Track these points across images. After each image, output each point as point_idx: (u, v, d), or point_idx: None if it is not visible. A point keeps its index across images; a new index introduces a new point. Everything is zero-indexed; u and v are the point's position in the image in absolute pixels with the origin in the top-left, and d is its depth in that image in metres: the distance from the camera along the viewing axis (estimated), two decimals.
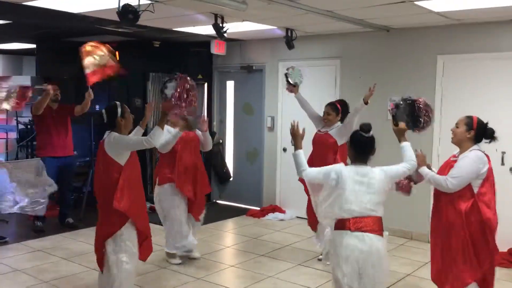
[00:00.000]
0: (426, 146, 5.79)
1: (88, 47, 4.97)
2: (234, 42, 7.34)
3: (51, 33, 7.02)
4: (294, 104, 6.96)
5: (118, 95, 7.29)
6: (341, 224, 3.06)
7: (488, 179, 3.49)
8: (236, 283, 4.62)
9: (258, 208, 7.28)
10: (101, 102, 7.15)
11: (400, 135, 3.54)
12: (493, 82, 5.41)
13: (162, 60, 7.82)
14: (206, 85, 7.99)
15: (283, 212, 7.08)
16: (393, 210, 6.06)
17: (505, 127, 5.33)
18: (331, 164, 4.10)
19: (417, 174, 3.60)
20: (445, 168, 3.62)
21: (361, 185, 3.08)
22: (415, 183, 3.69)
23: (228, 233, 6.44)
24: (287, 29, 6.15)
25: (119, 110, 3.65)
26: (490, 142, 3.59)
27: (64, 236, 5.83)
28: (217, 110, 8.00)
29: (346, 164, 3.27)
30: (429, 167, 3.68)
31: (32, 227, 6.01)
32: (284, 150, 7.06)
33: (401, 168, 3.27)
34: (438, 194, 3.59)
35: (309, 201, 5.14)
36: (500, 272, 4.89)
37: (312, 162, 4.52)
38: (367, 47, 6.30)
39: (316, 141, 5.11)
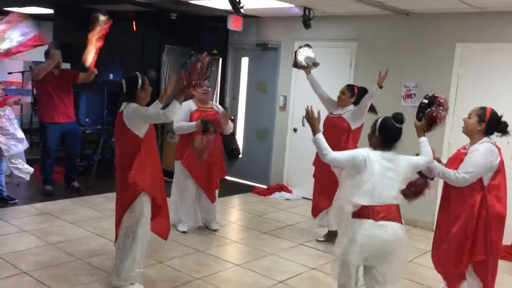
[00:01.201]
0: (437, 134, 5.70)
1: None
2: (250, 19, 7.27)
3: None
4: (308, 85, 6.92)
5: (133, 65, 7.30)
6: (363, 212, 3.02)
7: (500, 171, 3.45)
8: (237, 258, 4.68)
9: (265, 187, 7.32)
10: (115, 71, 7.18)
11: (420, 131, 3.56)
12: (511, 73, 5.30)
13: (178, 33, 7.79)
14: (220, 60, 7.96)
15: (290, 191, 7.10)
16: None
17: None
18: (343, 148, 4.21)
19: (427, 169, 3.55)
20: (455, 160, 3.57)
21: (388, 171, 3.07)
22: (431, 179, 3.63)
23: (234, 209, 6.50)
24: (305, 8, 6.07)
25: (140, 81, 3.59)
26: (502, 136, 3.52)
27: (72, 201, 5.93)
28: (231, 87, 7.98)
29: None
30: (438, 161, 3.64)
31: (42, 190, 6.11)
32: (295, 130, 7.05)
33: (420, 160, 3.32)
34: (448, 187, 3.56)
35: (315, 185, 5.17)
36: (501, 265, 4.88)
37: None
38: (385, 31, 6.20)
39: (328, 124, 5.01)
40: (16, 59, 10.01)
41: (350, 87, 5.08)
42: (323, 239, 5.22)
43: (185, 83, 3.59)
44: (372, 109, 4.97)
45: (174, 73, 8.03)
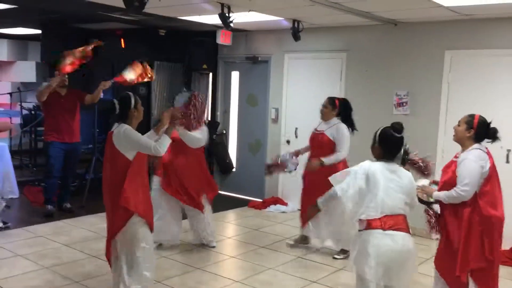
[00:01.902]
0: (431, 141, 5.76)
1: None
2: (240, 33, 7.29)
3: (57, 18, 6.99)
4: (299, 97, 6.97)
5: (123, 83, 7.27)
6: (371, 223, 3.01)
7: (491, 177, 3.44)
8: (236, 274, 4.62)
9: (260, 200, 7.28)
10: (105, 89, 7.12)
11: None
12: (501, 79, 5.35)
13: (167, 49, 7.79)
14: (211, 75, 7.96)
15: (285, 204, 7.07)
16: None
17: (511, 124, 5.30)
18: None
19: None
20: (448, 167, 3.56)
21: (391, 182, 3.06)
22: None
23: (230, 224, 6.44)
24: (293, 21, 6.09)
25: (133, 101, 3.54)
26: (492, 142, 3.52)
27: (65, 223, 5.84)
28: (222, 101, 7.97)
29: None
30: (435, 183, 3.62)
31: (43, 211, 6.01)
32: (288, 142, 7.03)
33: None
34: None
35: (303, 195, 5.17)
36: (502, 271, 4.87)
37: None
38: (374, 41, 6.25)
39: (313, 140, 5.14)
40: (3, 80, 9.94)
41: (331, 100, 5.08)
42: (293, 242, 5.29)
43: (193, 117, 3.64)
44: (351, 126, 5.04)
45: (164, 90, 8.01)
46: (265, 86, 7.32)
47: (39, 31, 7.95)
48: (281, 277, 4.51)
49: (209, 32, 7.11)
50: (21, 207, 6.39)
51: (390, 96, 6.05)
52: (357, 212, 3.09)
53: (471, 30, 5.51)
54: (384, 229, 2.98)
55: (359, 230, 3.09)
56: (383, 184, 3.03)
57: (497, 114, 5.34)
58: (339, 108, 5.03)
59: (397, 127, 3.15)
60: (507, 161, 5.32)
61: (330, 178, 3.28)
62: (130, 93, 3.61)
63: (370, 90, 6.26)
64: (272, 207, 6.99)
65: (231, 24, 5.31)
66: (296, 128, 6.97)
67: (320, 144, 4.98)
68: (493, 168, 3.45)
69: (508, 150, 5.31)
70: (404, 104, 5.94)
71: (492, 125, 3.53)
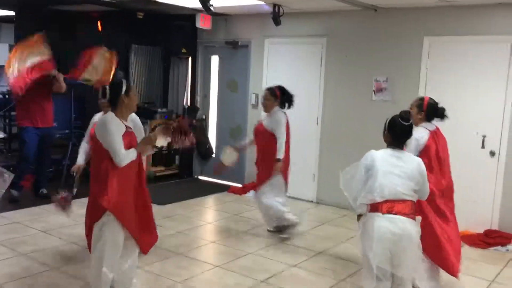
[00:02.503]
0: None
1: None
2: (219, 17, 7.20)
3: (31, 0, 6.79)
4: (279, 83, 6.91)
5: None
6: (374, 207, 3.11)
7: (428, 151, 3.78)
8: (217, 259, 4.63)
9: (240, 185, 7.28)
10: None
11: None
12: (479, 65, 5.42)
13: (146, 33, 7.66)
14: (190, 59, 7.87)
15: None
16: None
17: (487, 111, 5.41)
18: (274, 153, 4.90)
19: None
20: None
21: (395, 168, 3.13)
22: None
23: (209, 209, 6.44)
24: (274, 5, 6.05)
25: (124, 87, 3.32)
26: (442, 120, 3.95)
27: (42, 209, 5.74)
28: (201, 85, 7.90)
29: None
30: None
31: (8, 196, 5.89)
32: None
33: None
34: None
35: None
36: (476, 253, 5.01)
37: (258, 155, 5.22)
38: (354, 26, 6.25)
39: (255, 132, 5.24)
40: None
41: (272, 92, 5.09)
42: (272, 229, 5.31)
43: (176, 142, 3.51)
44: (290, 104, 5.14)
45: (143, 75, 7.89)
46: (245, 71, 7.28)
47: (12, 13, 7.71)
48: (261, 262, 4.54)
49: (188, 16, 7.01)
50: None
51: (370, 82, 6.08)
52: (360, 196, 3.19)
53: (450, 16, 5.55)
54: (383, 213, 3.07)
55: (363, 214, 3.21)
56: (383, 170, 3.11)
57: (474, 101, 5.48)
58: (280, 98, 5.07)
59: (405, 116, 3.25)
60: (483, 147, 5.43)
61: (342, 172, 3.47)
62: (123, 79, 3.46)
63: (350, 75, 6.28)
64: (252, 193, 6.99)
65: (212, 8, 5.25)
66: None
67: (260, 135, 5.12)
68: (431, 144, 3.80)
69: (484, 136, 5.41)
70: (384, 90, 5.99)
71: (440, 106, 3.95)
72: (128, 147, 3.28)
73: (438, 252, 3.70)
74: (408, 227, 3.06)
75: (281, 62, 6.91)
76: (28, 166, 6.01)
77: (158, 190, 6.68)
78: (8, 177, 5.39)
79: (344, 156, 5.81)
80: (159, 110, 7.63)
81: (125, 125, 3.37)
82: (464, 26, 5.48)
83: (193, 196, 6.70)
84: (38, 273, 4.01)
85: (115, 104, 3.34)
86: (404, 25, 5.86)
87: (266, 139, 5.06)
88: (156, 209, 5.99)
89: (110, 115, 3.32)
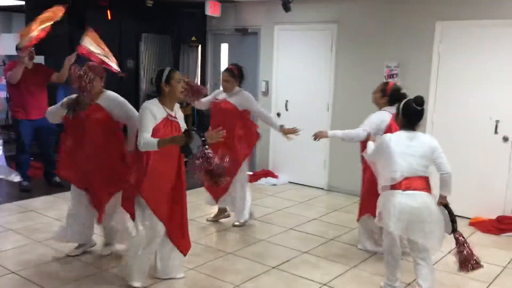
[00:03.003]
0: None
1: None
2: (229, 4, 7.17)
3: None
4: (289, 70, 6.93)
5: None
6: (393, 186, 3.37)
7: (389, 131, 3.94)
8: (228, 246, 4.66)
9: (251, 173, 7.28)
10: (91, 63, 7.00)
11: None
12: (492, 50, 5.34)
13: (155, 21, 7.64)
14: (199, 47, 7.85)
15: (276, 177, 7.10)
16: None
17: (501, 96, 5.34)
18: (239, 133, 4.86)
19: None
20: None
21: (409, 148, 3.38)
22: None
23: None
24: None
25: (165, 74, 3.44)
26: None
27: (55, 197, 5.81)
28: (211, 73, 7.90)
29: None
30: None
31: (18, 187, 5.97)
32: (278, 115, 7.01)
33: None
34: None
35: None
36: (488, 239, 4.99)
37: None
38: (365, 12, 6.18)
39: (214, 109, 4.94)
40: None
41: (230, 73, 4.86)
42: (213, 218, 5.28)
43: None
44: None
45: (153, 63, 7.89)
46: (255, 58, 7.25)
47: (22, 3, 7.74)
48: (272, 248, 4.56)
49: (198, 3, 6.99)
50: (10, 183, 6.33)
51: (381, 68, 6.02)
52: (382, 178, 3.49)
53: (462, 0, 5.47)
54: (403, 190, 3.33)
55: (384, 191, 3.47)
56: (399, 151, 3.37)
57: (488, 86, 5.41)
58: (240, 76, 4.90)
59: (418, 101, 3.44)
60: (496, 132, 5.37)
61: (365, 155, 3.84)
62: (169, 68, 3.53)
63: (361, 62, 6.23)
64: (263, 180, 7.02)
65: None
66: (287, 101, 6.95)
67: (224, 112, 4.84)
68: (389, 127, 4.05)
69: (497, 121, 5.35)
70: (395, 75, 5.93)
71: (403, 91, 4.17)
72: (163, 134, 3.37)
73: None
74: (427, 200, 3.34)
75: (291, 49, 6.87)
76: (26, 157, 6.02)
77: None
78: (15, 176, 5.49)
79: (355, 143, 5.78)
80: None
81: (167, 113, 3.48)
82: (477, 10, 5.39)
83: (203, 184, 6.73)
84: (52, 260, 4.07)
85: (158, 91, 3.50)
86: (416, 10, 5.78)
87: (235, 117, 4.83)
88: None
89: (153, 101, 3.48)
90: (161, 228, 3.56)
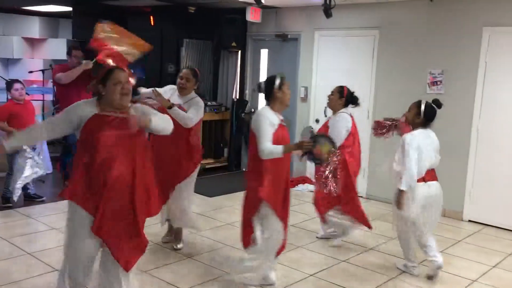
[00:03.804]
0: (465, 121, 5.63)
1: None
2: (269, 10, 7.19)
3: None
4: (329, 76, 6.87)
5: (152, 61, 7.30)
6: (419, 179, 3.87)
7: (353, 134, 4.53)
8: None
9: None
10: (133, 67, 7.16)
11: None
12: None
13: (197, 26, 7.76)
14: (239, 53, 7.91)
15: (313, 183, 7.03)
16: None
17: None
18: (188, 138, 4.19)
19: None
20: (324, 126, 4.61)
21: (429, 145, 3.92)
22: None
23: None
24: None
25: (278, 81, 3.48)
26: (355, 106, 4.60)
27: None
28: (250, 79, 7.93)
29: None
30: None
31: (64, 186, 6.14)
32: (317, 121, 6.97)
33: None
34: None
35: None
36: None
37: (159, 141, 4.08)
38: (408, 17, 6.07)
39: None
40: (35, 58, 10.10)
41: (193, 72, 4.31)
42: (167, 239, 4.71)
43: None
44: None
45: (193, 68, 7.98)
46: (294, 64, 7.24)
47: (70, 9, 8.00)
48: (310, 256, 4.52)
49: (239, 9, 7.05)
50: (54, 182, 6.55)
51: (424, 75, 5.90)
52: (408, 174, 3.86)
53: (510, 5, 5.29)
54: (425, 181, 3.91)
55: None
56: (425, 149, 3.87)
57: None
58: (198, 81, 4.42)
59: (438, 103, 3.99)
60: None
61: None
62: (279, 73, 3.57)
63: (403, 68, 6.12)
64: (300, 186, 6.97)
65: (262, 1, 5.24)
66: (326, 108, 6.86)
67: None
68: (354, 127, 4.54)
69: None
70: (438, 83, 5.79)
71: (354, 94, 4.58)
72: (277, 141, 3.41)
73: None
74: (439, 189, 3.98)
75: (331, 55, 6.83)
76: (71, 158, 6.20)
77: (207, 182, 6.78)
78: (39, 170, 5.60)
79: (395, 151, 5.66)
80: (209, 103, 7.72)
81: (280, 119, 3.53)
82: None
83: (241, 188, 6.72)
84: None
85: (269, 97, 3.51)
86: (462, 16, 5.64)
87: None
88: (204, 200, 6.14)
89: (266, 108, 3.49)
90: (282, 234, 3.60)
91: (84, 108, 2.92)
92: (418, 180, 3.85)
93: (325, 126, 4.59)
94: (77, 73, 5.77)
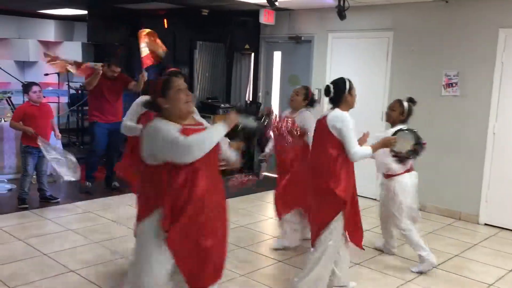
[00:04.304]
0: (481, 123, 5.57)
1: (145, 32, 5.30)
2: (283, 12, 7.19)
3: None
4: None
5: (165, 63, 7.33)
6: (407, 169, 4.24)
7: (316, 131, 4.33)
8: (279, 254, 4.63)
9: None
10: (149, 70, 7.21)
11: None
12: None
13: (210, 29, 7.79)
14: (253, 55, 7.92)
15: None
16: (440, 189, 5.91)
17: None
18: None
19: None
20: (287, 122, 4.51)
21: None
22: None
23: (271, 204, 6.40)
24: None
25: (348, 85, 3.51)
26: (313, 107, 4.62)
27: (113, 200, 6.00)
28: (263, 82, 7.93)
29: None
30: None
31: (80, 186, 6.20)
32: None
33: None
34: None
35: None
36: None
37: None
38: (423, 19, 6.03)
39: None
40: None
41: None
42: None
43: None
44: None
45: (207, 71, 8.03)
46: (308, 66, 7.23)
47: (85, 12, 8.09)
48: None
49: (252, 11, 7.06)
50: (69, 183, 6.59)
51: (439, 77, 5.85)
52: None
53: None
54: (410, 172, 4.28)
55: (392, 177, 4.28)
56: None
57: None
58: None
59: (413, 100, 4.37)
60: None
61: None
62: (345, 77, 3.60)
63: (418, 70, 6.07)
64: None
65: (276, 3, 5.24)
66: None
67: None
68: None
69: None
70: (454, 84, 5.74)
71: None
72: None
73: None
74: (416, 177, 4.35)
75: (344, 57, 6.80)
76: (97, 159, 6.30)
77: None
78: (78, 169, 5.67)
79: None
80: (222, 105, 7.74)
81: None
82: None
83: (254, 191, 6.75)
84: (110, 261, 4.20)
85: (339, 101, 3.51)
86: (477, 17, 5.58)
87: None
88: None
89: (344, 112, 3.48)
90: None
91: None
92: (406, 171, 4.23)
93: (291, 122, 4.46)
94: (93, 80, 5.92)
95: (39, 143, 5.32)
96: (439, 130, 5.76)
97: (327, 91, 3.54)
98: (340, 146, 3.42)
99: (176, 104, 2.61)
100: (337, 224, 3.50)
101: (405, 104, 4.29)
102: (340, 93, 3.51)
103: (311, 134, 4.21)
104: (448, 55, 5.80)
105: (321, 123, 3.54)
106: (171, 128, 2.53)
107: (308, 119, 4.41)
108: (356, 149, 3.41)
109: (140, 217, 2.67)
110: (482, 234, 5.37)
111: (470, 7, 5.62)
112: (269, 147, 4.84)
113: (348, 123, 3.42)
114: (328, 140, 3.45)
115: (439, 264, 4.37)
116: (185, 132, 2.53)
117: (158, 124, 2.55)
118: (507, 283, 4.14)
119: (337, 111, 3.49)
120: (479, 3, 5.54)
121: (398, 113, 4.28)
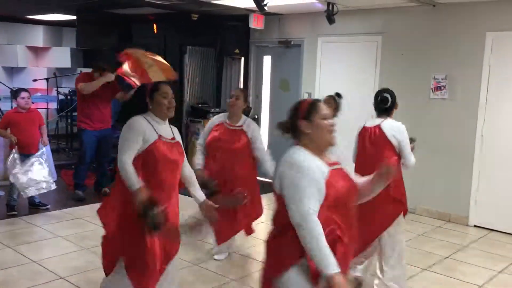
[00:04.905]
0: (469, 126, 5.62)
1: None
2: (272, 16, 7.22)
3: (91, 4, 7.07)
4: (332, 82, 6.88)
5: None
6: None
7: None
8: None
9: None
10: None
11: None
12: None
13: (200, 34, 7.78)
14: (242, 59, 7.93)
15: None
16: (430, 192, 5.95)
17: None
18: None
19: None
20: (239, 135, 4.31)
21: None
22: None
23: (265, 209, 6.44)
24: (328, 3, 5.98)
25: (393, 95, 3.70)
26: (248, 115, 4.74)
27: None
28: (254, 86, 7.95)
29: None
30: None
31: (73, 195, 6.16)
32: None
33: None
34: None
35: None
36: None
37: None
38: (411, 23, 6.09)
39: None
40: (39, 66, 10.15)
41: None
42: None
43: None
44: None
45: (196, 76, 8.02)
46: (297, 70, 7.26)
47: (73, 17, 8.05)
48: None
49: (242, 16, 7.07)
50: (58, 190, 6.54)
51: (428, 80, 5.90)
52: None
53: None
54: None
55: None
56: None
57: None
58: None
59: (340, 95, 4.76)
60: None
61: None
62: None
63: (407, 74, 6.12)
64: None
65: (266, 8, 5.26)
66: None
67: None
68: None
69: None
70: (442, 88, 5.80)
71: None
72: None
73: None
74: None
75: (334, 61, 6.84)
76: (86, 168, 6.23)
77: None
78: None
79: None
80: (212, 110, 7.74)
81: None
82: None
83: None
84: (100, 267, 4.12)
85: (391, 110, 3.70)
86: (465, 21, 5.65)
87: None
88: None
89: (395, 121, 3.65)
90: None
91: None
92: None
93: (243, 134, 4.26)
94: (98, 84, 5.84)
95: (14, 153, 5.20)
96: (428, 133, 5.81)
97: (384, 100, 3.66)
98: (397, 153, 3.58)
99: (158, 106, 2.86)
100: (398, 227, 3.62)
101: (338, 99, 4.63)
102: (394, 102, 3.67)
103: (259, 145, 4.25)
104: (436, 58, 5.86)
105: (373, 132, 3.63)
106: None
107: (257, 129, 4.39)
108: (413, 157, 3.59)
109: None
110: (472, 236, 5.41)
111: (458, 11, 5.69)
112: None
113: (406, 134, 3.62)
114: (387, 148, 3.57)
115: (429, 266, 4.39)
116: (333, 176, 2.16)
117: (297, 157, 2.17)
118: (497, 284, 4.17)
119: (394, 121, 3.64)
120: (466, 7, 5.60)
121: (333, 108, 4.44)
